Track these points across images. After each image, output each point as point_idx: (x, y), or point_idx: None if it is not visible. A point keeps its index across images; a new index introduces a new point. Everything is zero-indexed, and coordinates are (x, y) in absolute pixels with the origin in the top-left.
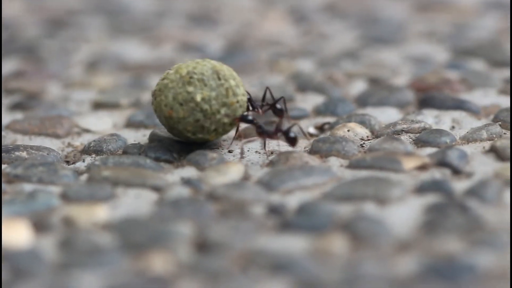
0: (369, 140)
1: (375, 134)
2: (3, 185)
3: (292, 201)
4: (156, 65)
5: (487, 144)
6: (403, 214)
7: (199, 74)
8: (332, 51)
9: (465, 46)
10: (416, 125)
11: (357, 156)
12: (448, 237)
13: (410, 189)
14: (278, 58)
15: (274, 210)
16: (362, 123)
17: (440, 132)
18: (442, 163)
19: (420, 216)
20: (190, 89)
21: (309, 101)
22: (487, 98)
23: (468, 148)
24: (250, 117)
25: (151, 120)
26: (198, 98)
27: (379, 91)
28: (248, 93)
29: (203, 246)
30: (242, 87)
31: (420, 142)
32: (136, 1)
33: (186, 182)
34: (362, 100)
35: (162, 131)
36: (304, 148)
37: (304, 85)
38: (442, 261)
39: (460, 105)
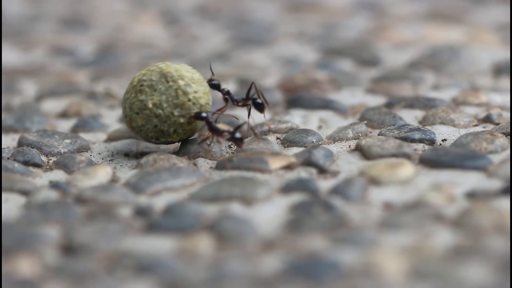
0: None
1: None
2: None
3: (159, 202)
4: (27, 70)
5: (352, 143)
6: (269, 213)
7: (148, 80)
8: (203, 52)
9: (333, 46)
10: (283, 125)
11: (225, 157)
12: (312, 235)
13: (276, 188)
14: (150, 60)
15: (141, 212)
16: (228, 123)
17: (306, 131)
18: (308, 163)
19: (285, 215)
20: (142, 97)
21: None
22: (355, 97)
23: (334, 147)
24: (203, 114)
25: (21, 124)
26: (150, 104)
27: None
28: (225, 88)
29: (69, 248)
30: (196, 84)
31: (287, 142)
32: (8, 5)
33: (54, 185)
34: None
35: (31, 135)
36: (173, 149)
37: None
38: (306, 259)
39: (327, 105)
